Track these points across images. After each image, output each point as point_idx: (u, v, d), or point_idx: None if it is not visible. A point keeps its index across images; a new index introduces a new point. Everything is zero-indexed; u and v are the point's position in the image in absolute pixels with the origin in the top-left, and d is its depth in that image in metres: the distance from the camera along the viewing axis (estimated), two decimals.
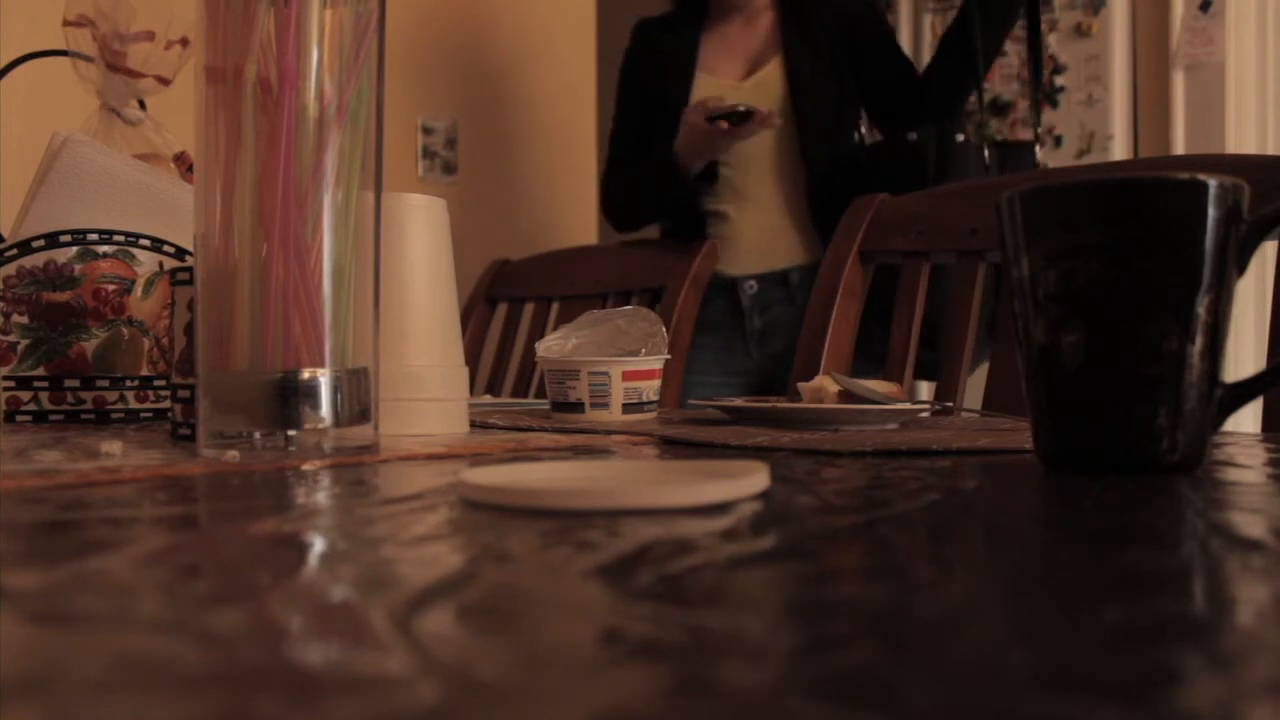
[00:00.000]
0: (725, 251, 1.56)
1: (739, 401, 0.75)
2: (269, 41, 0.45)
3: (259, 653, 0.16)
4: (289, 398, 0.45)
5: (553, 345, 0.77)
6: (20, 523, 0.30)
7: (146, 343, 0.77)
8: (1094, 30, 2.36)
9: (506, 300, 1.77)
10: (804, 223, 1.57)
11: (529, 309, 1.70)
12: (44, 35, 0.90)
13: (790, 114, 1.55)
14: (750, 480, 0.33)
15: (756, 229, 1.58)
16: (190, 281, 0.55)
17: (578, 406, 0.72)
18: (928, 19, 2.62)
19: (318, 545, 0.26)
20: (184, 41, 0.84)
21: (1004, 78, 2.48)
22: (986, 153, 1.49)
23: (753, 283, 1.58)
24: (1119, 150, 2.32)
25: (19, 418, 0.73)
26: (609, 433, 0.63)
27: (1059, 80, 2.40)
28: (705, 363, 1.54)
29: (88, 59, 0.83)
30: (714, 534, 0.27)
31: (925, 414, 0.73)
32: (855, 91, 1.58)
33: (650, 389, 0.74)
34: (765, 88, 1.56)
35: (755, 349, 1.59)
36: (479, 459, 0.48)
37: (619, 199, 1.68)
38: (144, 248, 0.77)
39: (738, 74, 1.61)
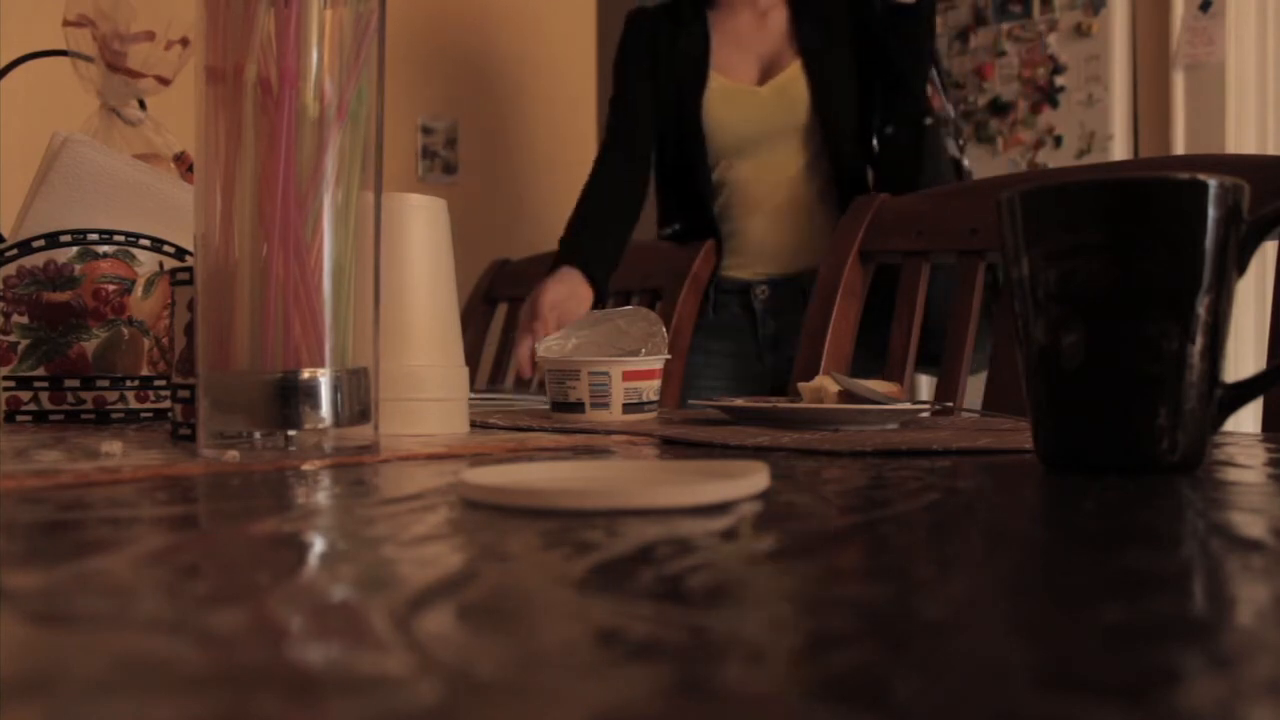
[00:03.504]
0: (737, 255, 1.51)
1: (739, 401, 0.75)
2: (269, 41, 0.45)
3: (259, 653, 0.16)
4: (289, 398, 0.45)
5: (553, 345, 0.77)
6: (20, 523, 0.30)
7: (146, 343, 0.77)
8: (1094, 30, 2.36)
9: (506, 300, 1.77)
10: (819, 227, 1.49)
11: None
12: (44, 35, 0.90)
13: (815, 120, 1.46)
14: (750, 480, 0.33)
15: (769, 233, 1.52)
16: (190, 281, 0.55)
17: (578, 406, 0.72)
18: None
19: (318, 545, 0.26)
20: (184, 41, 0.84)
21: (1004, 78, 2.48)
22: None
23: (764, 287, 1.52)
24: (1119, 150, 2.32)
25: (19, 418, 0.73)
26: (609, 433, 0.63)
27: (1059, 80, 2.40)
28: (718, 368, 1.49)
29: (88, 59, 0.83)
30: (714, 534, 0.27)
31: (925, 414, 0.73)
32: (879, 89, 1.47)
33: (650, 389, 0.74)
34: (787, 95, 1.47)
35: (768, 354, 1.52)
36: (479, 459, 0.48)
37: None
38: (144, 248, 0.77)
39: (753, 77, 1.51)
